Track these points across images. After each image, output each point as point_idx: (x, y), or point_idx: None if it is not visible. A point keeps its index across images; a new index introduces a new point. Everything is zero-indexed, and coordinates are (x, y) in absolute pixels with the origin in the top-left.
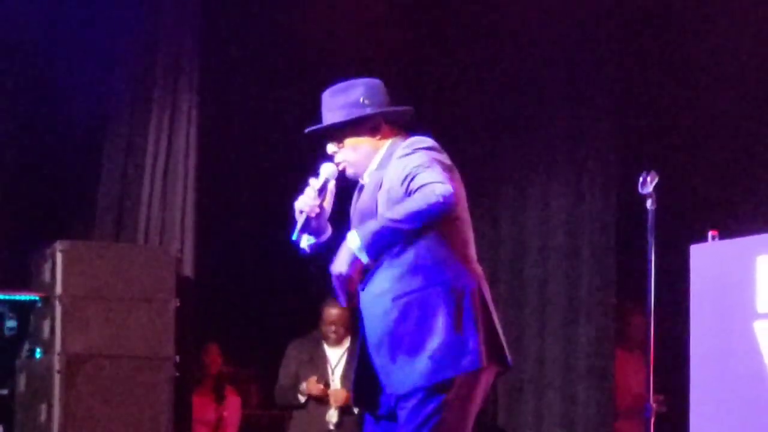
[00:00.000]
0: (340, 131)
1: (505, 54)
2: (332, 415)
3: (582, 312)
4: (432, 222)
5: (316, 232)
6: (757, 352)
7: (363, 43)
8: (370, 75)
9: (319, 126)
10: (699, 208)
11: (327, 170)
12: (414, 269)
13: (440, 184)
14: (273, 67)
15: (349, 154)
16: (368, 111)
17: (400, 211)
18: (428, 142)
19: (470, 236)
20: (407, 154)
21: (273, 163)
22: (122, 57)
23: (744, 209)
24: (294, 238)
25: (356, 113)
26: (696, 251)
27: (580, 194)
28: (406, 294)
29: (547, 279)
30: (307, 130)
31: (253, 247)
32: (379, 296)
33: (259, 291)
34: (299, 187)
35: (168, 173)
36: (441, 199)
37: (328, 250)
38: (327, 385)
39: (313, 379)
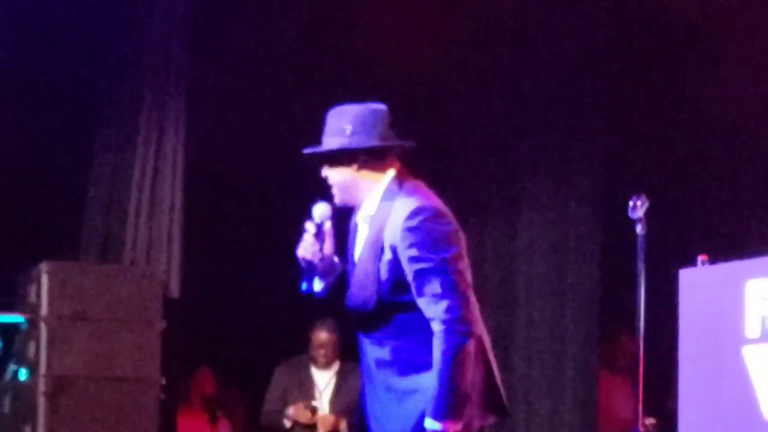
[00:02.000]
0: (325, 159)
1: (494, 76)
2: None
3: (567, 337)
4: (468, 358)
5: (324, 274)
6: (746, 377)
7: (352, 56)
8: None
9: (307, 150)
10: (688, 232)
11: (319, 212)
12: (412, 324)
13: (449, 316)
14: (262, 86)
15: (334, 182)
16: (347, 143)
17: (437, 378)
18: (427, 211)
19: (470, 281)
20: (412, 228)
21: (261, 185)
22: (108, 78)
23: (734, 234)
24: (304, 288)
25: (335, 144)
26: (685, 276)
27: (567, 218)
28: (405, 349)
29: (533, 303)
30: (304, 151)
31: (240, 269)
32: (380, 347)
33: (246, 313)
34: (287, 209)
35: (154, 194)
36: (458, 340)
37: (340, 286)
38: (314, 409)
39: (301, 405)
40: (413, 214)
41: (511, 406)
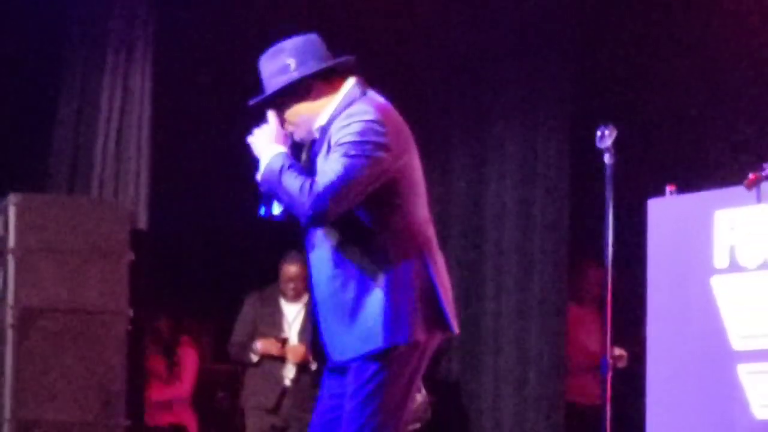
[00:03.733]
0: (275, 101)
1: (458, 6)
2: (289, 371)
3: (535, 268)
4: (294, 215)
5: None
6: (715, 307)
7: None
8: (321, 33)
9: (253, 100)
10: (657, 162)
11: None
12: (353, 237)
13: (324, 188)
14: (229, 19)
15: (291, 121)
16: (295, 75)
17: (288, 183)
18: (368, 113)
19: (416, 201)
20: (344, 125)
21: (229, 117)
22: (76, 9)
23: (702, 163)
24: (262, 213)
25: (282, 82)
26: (654, 206)
27: (534, 147)
28: (345, 262)
29: (501, 235)
30: (250, 103)
31: (209, 200)
32: (325, 262)
33: (216, 244)
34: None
35: (122, 125)
36: (309, 210)
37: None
38: (284, 341)
39: (271, 339)
40: (352, 114)
41: (478, 337)
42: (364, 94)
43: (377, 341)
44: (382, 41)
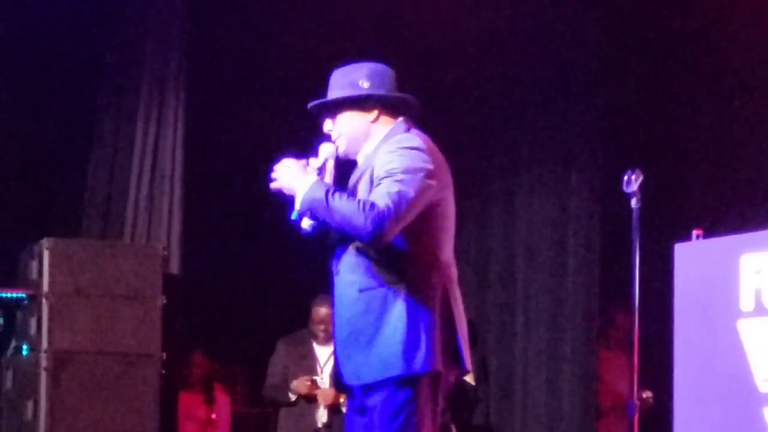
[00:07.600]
0: (336, 108)
1: (491, 55)
2: (321, 414)
3: (567, 312)
4: (351, 236)
5: None
6: (741, 350)
7: (344, 44)
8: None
9: (315, 102)
10: (684, 206)
11: (326, 150)
12: (380, 263)
13: (385, 208)
14: (259, 65)
15: (342, 132)
16: (364, 92)
17: (340, 206)
18: (414, 141)
19: (446, 237)
20: (391, 152)
21: (260, 160)
22: (111, 53)
23: (729, 208)
24: (294, 217)
25: (350, 92)
26: (680, 250)
27: (566, 193)
28: (370, 288)
29: (533, 279)
30: (309, 106)
31: (241, 244)
32: (349, 285)
33: (247, 288)
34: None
35: (155, 170)
36: (370, 227)
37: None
38: (316, 383)
39: (303, 378)
40: (396, 142)
41: (507, 378)
42: (407, 131)
43: (397, 368)
44: (420, 90)
